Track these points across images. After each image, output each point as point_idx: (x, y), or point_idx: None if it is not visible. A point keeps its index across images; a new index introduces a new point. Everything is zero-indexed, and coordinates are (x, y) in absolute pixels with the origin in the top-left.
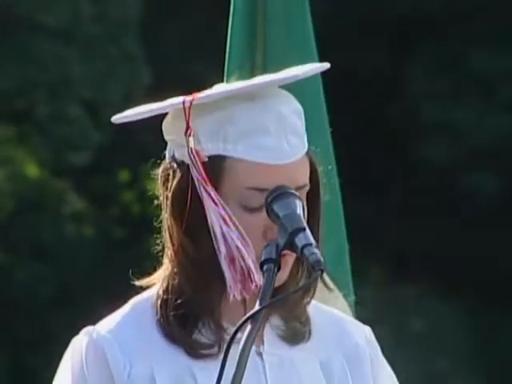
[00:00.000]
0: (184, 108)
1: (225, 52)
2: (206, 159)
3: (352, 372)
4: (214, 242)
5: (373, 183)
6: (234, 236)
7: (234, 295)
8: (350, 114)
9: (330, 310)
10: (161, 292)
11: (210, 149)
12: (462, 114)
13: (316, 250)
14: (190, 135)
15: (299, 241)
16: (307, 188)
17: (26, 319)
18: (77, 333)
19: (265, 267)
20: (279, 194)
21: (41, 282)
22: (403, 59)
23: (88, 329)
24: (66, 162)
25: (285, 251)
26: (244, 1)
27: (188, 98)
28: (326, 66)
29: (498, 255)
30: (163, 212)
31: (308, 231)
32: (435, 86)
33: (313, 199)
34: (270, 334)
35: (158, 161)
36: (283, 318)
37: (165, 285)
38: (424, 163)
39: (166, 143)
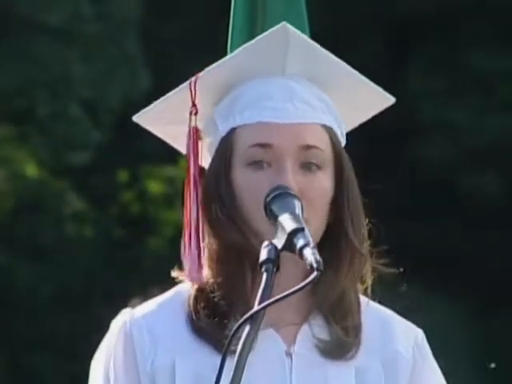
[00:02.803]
0: (190, 88)
1: (225, 53)
2: (206, 139)
3: (387, 380)
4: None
5: (372, 183)
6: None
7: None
8: None
9: (382, 309)
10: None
11: (225, 128)
12: (461, 113)
13: (315, 251)
14: (192, 114)
15: (298, 241)
16: (319, 152)
17: (26, 319)
18: (76, 333)
19: (264, 267)
20: (278, 194)
21: (41, 282)
22: (403, 59)
23: (125, 311)
24: (66, 162)
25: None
26: (244, 1)
27: (193, 78)
28: (392, 100)
29: (498, 255)
30: None
31: (307, 231)
32: (435, 86)
33: (338, 177)
34: (306, 340)
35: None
36: (329, 326)
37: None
38: (424, 163)
39: (164, 144)
